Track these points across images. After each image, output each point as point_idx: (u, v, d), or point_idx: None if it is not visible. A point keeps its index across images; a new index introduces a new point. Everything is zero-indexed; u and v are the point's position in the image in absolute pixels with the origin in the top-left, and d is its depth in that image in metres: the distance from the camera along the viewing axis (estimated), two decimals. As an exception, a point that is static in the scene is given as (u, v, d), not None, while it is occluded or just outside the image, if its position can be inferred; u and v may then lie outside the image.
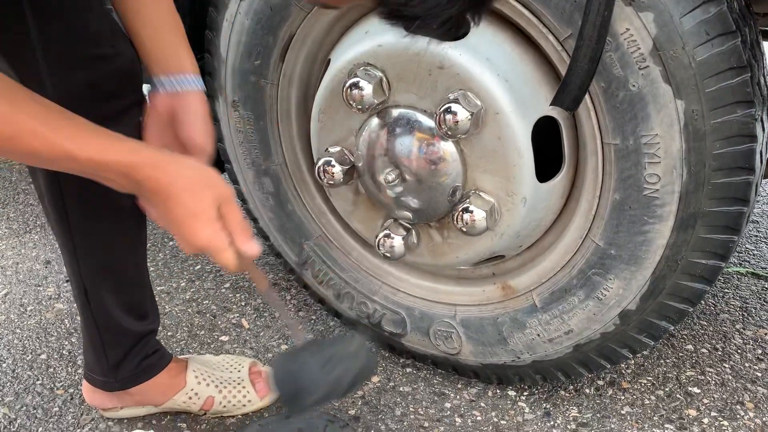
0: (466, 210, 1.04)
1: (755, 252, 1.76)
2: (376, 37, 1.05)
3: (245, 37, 1.18)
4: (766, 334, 1.42)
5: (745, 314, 1.49)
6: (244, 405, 1.21)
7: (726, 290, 1.59)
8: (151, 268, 1.79)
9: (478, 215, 1.03)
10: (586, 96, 0.94)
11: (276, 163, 1.30)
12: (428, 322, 1.26)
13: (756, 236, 1.86)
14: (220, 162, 1.51)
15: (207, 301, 1.65)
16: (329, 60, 1.16)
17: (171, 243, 1.93)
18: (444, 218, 1.10)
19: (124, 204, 0.99)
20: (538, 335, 1.15)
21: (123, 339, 1.14)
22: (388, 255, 1.15)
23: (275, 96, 1.22)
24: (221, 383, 1.20)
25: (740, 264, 1.69)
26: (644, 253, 0.99)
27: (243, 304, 1.63)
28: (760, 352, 1.37)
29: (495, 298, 1.19)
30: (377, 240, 1.16)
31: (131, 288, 1.14)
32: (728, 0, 0.85)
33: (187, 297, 1.67)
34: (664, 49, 0.86)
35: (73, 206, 1.02)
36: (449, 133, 0.99)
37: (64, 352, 1.49)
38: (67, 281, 1.75)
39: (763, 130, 0.92)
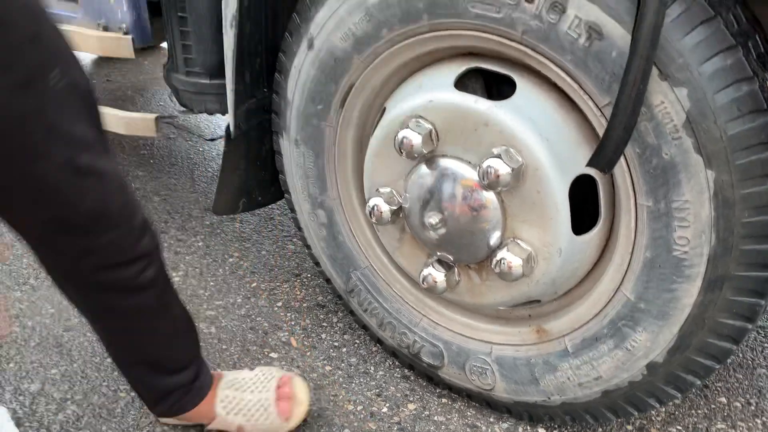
0: (504, 256, 1.11)
1: (801, 307, 1.75)
2: (428, 92, 1.14)
3: (310, 84, 1.29)
4: (800, 390, 1.43)
5: (779, 365, 1.50)
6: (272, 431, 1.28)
7: (766, 345, 1.60)
8: (211, 283, 1.92)
9: (515, 262, 1.10)
10: (622, 158, 1.00)
11: (331, 197, 1.40)
12: (465, 357, 1.33)
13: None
14: (279, 191, 1.63)
15: (260, 318, 1.76)
16: (385, 108, 1.25)
17: (230, 260, 2.05)
18: (483, 262, 1.18)
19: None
20: (569, 379, 1.20)
21: (154, 391, 1.26)
22: (430, 290, 1.23)
23: (334, 138, 1.32)
24: (249, 410, 1.27)
25: (784, 318, 1.69)
26: (672, 310, 1.04)
27: (293, 323, 1.73)
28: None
29: (529, 339, 1.25)
30: (420, 275, 1.24)
31: (158, 358, 1.24)
32: (760, 79, 0.90)
33: (242, 313, 1.78)
34: (697, 122, 0.92)
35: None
36: (491, 185, 1.07)
37: (128, 356, 1.62)
38: (134, 290, 1.89)
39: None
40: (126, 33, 1.59)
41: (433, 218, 1.16)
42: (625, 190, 1.03)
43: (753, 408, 1.39)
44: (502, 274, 1.11)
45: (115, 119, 1.72)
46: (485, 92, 1.16)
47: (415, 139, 1.11)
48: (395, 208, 1.22)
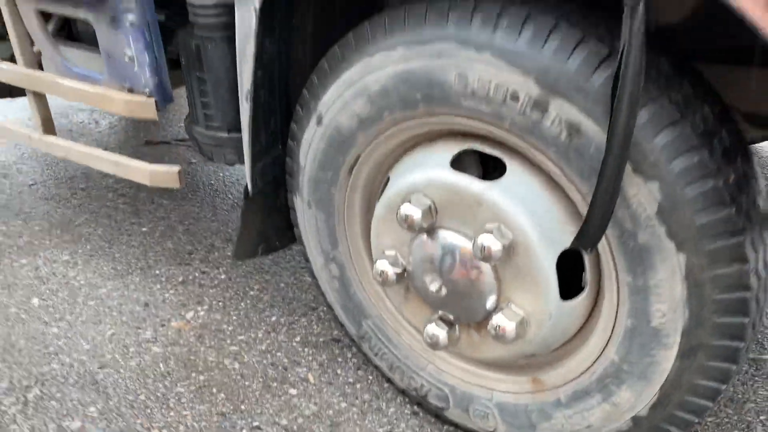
0: (498, 322, 1.21)
1: (792, 338, 1.83)
2: (427, 170, 1.24)
3: (320, 154, 1.40)
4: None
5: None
6: None
7: (757, 378, 1.69)
8: (234, 317, 2.05)
9: (509, 327, 1.20)
10: (604, 238, 1.09)
11: (342, 253, 1.51)
12: (468, 401, 1.44)
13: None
14: (293, 237, 1.74)
15: (280, 353, 1.89)
16: (389, 177, 1.36)
17: (251, 293, 2.18)
18: (482, 322, 1.28)
19: None
20: (562, 426, 1.31)
21: None
22: (433, 346, 1.34)
23: (343, 201, 1.44)
24: None
25: (775, 351, 1.78)
26: (652, 372, 1.14)
27: (310, 359, 1.86)
28: None
29: (526, 388, 1.36)
30: (425, 331, 1.35)
31: None
32: (724, 177, 0.99)
33: (263, 348, 1.91)
34: (668, 212, 1.01)
35: None
36: (484, 258, 1.17)
37: (158, 394, 1.76)
38: (162, 325, 2.03)
39: (759, 279, 1.05)
40: (150, 96, 1.70)
41: (434, 284, 1.26)
42: (607, 265, 1.13)
43: None
44: (497, 337, 1.22)
45: (139, 171, 1.85)
46: (480, 166, 1.26)
47: (416, 214, 1.22)
48: (400, 270, 1.33)
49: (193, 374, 1.82)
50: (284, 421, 1.65)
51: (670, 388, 1.14)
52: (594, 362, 1.23)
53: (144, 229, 2.65)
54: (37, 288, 2.27)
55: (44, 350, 1.95)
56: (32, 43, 2.01)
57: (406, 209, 1.23)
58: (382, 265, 1.33)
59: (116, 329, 2.03)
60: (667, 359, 1.11)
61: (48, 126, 2.11)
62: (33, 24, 1.91)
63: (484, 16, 1.07)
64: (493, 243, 1.14)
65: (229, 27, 1.43)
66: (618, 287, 1.13)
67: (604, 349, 1.20)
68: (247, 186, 1.61)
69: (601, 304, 1.20)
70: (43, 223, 2.72)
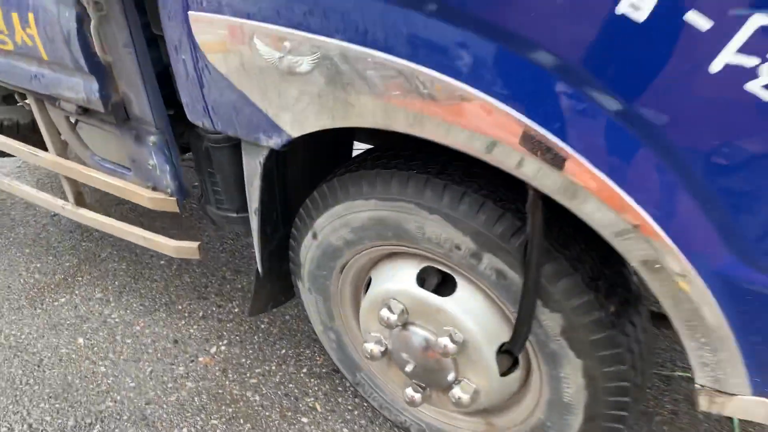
0: (456, 393, 1.65)
1: (699, 355, 2.29)
2: (399, 283, 1.64)
3: (316, 259, 1.79)
4: (685, 437, 1.99)
5: (674, 416, 2.06)
6: None
7: (666, 393, 2.15)
8: (250, 351, 2.49)
9: (464, 397, 1.64)
10: (529, 341, 1.51)
11: (337, 325, 1.93)
12: (440, 435, 1.90)
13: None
14: (292, 291, 2.15)
15: (291, 385, 2.33)
16: (371, 277, 1.76)
17: (262, 326, 2.61)
18: (446, 389, 1.72)
19: None
20: (509, 457, 1.77)
21: None
22: (410, 403, 1.78)
23: (336, 291, 1.84)
24: None
25: (683, 368, 2.23)
26: (567, 429, 1.59)
27: (316, 389, 2.30)
28: (675, 453, 1.94)
29: (483, 429, 1.81)
30: (404, 392, 1.78)
31: None
32: (606, 308, 1.40)
33: (277, 380, 2.35)
34: (568, 332, 1.43)
35: None
36: (443, 354, 1.59)
37: (198, 426, 2.21)
38: (191, 361, 2.46)
39: (636, 371, 1.48)
40: (171, 195, 2.07)
41: (408, 365, 1.69)
42: (533, 357, 1.56)
43: (647, 452, 1.95)
44: (456, 404, 1.66)
45: (165, 246, 2.23)
46: (439, 274, 1.67)
47: (392, 317, 1.63)
48: (383, 349, 1.75)
49: (223, 407, 2.27)
50: (300, 447, 2.11)
51: (580, 442, 1.59)
52: (528, 417, 1.67)
53: (162, 262, 3.05)
54: (80, 327, 2.68)
55: (97, 389, 2.38)
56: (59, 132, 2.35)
57: (385, 313, 1.64)
58: (370, 346, 1.75)
59: (154, 366, 2.46)
60: (576, 422, 1.56)
61: (80, 199, 2.47)
62: (62, 124, 2.25)
63: (434, 187, 1.45)
64: (449, 344, 1.56)
65: (236, 138, 1.76)
66: (540, 372, 1.56)
67: (533, 410, 1.64)
68: (258, 269, 2.01)
69: (531, 379, 1.63)
70: (72, 259, 3.11)
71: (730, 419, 2.03)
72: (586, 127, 1.09)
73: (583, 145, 1.11)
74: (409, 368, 1.70)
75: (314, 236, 1.75)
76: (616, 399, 1.49)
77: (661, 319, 1.76)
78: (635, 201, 1.12)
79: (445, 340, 1.57)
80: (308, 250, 1.80)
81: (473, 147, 1.21)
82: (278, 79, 1.40)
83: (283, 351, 2.48)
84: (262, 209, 1.81)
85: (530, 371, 1.64)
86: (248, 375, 2.39)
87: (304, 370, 2.39)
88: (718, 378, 1.27)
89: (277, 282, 2.13)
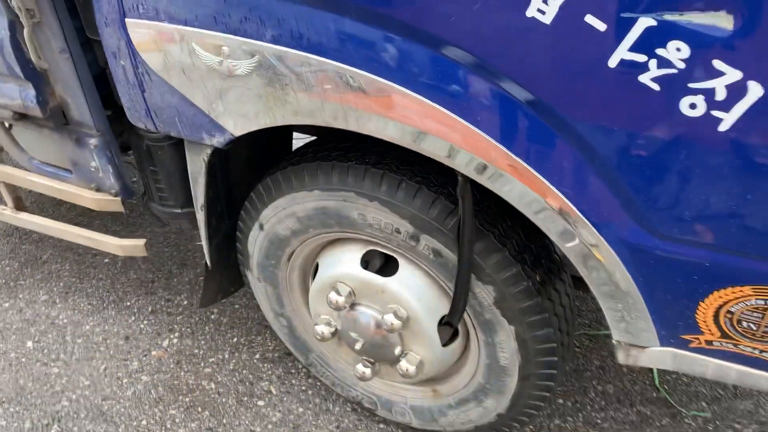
0: (403, 365, 1.78)
1: (622, 314, 2.50)
2: (345, 266, 1.75)
3: (264, 250, 1.88)
4: (611, 388, 2.19)
5: (601, 371, 2.26)
6: None
7: (593, 351, 2.35)
8: (202, 342, 2.55)
9: (410, 368, 1.77)
10: (466, 314, 1.65)
11: (287, 311, 2.03)
12: (390, 405, 2.03)
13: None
14: (242, 281, 2.23)
15: (245, 371, 2.42)
16: (317, 263, 1.86)
17: (212, 317, 2.67)
18: (393, 362, 1.85)
19: None
20: (453, 420, 1.92)
21: None
22: (361, 378, 1.90)
23: (285, 278, 1.94)
24: None
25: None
26: (504, 390, 1.75)
27: (270, 373, 2.40)
28: (603, 403, 2.14)
29: (429, 395, 1.95)
30: (354, 368, 1.90)
31: None
32: (533, 279, 1.55)
33: (231, 367, 2.43)
34: (500, 302, 1.57)
35: None
36: (389, 330, 1.72)
37: (156, 418, 2.27)
38: (145, 356, 2.51)
39: (561, 333, 1.64)
40: (115, 195, 2.10)
41: (357, 343, 1.81)
42: (471, 327, 1.70)
43: (578, 405, 2.15)
44: (404, 375, 1.79)
45: (110, 245, 2.27)
46: (382, 256, 1.78)
47: (340, 300, 1.74)
48: (333, 330, 1.87)
49: (180, 397, 2.34)
50: (258, 429, 2.20)
51: (517, 398, 1.75)
52: (469, 382, 1.82)
53: (106, 260, 3.05)
54: (27, 330, 2.68)
55: (51, 390, 2.41)
56: (-6, 138, 2.33)
57: (333, 296, 1.75)
58: (320, 328, 1.86)
59: (107, 363, 2.50)
60: (512, 382, 1.72)
61: (18, 203, 2.46)
62: (-3, 129, 2.23)
63: (372, 177, 1.56)
64: (393, 320, 1.69)
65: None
66: (478, 340, 1.71)
67: (474, 375, 1.79)
68: (206, 261, 2.08)
69: (470, 347, 1.78)
70: (13, 263, 3.07)
71: (651, 370, 2.25)
72: (504, 119, 1.22)
73: (502, 134, 1.24)
74: (358, 346, 1.81)
75: (261, 227, 1.84)
76: (545, 359, 1.65)
77: (582, 283, 1.94)
78: (550, 182, 1.26)
79: (390, 317, 1.69)
80: (255, 241, 1.88)
81: (404, 139, 1.33)
82: (219, 82, 1.48)
83: (235, 339, 2.56)
84: (208, 204, 1.88)
85: (468, 340, 1.79)
86: (202, 365, 2.46)
87: (257, 356, 2.47)
88: (631, 333, 1.44)
89: (226, 273, 2.20)
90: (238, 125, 1.53)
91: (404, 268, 1.71)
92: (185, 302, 2.76)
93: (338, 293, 1.75)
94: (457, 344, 1.79)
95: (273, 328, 2.14)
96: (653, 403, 2.14)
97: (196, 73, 1.49)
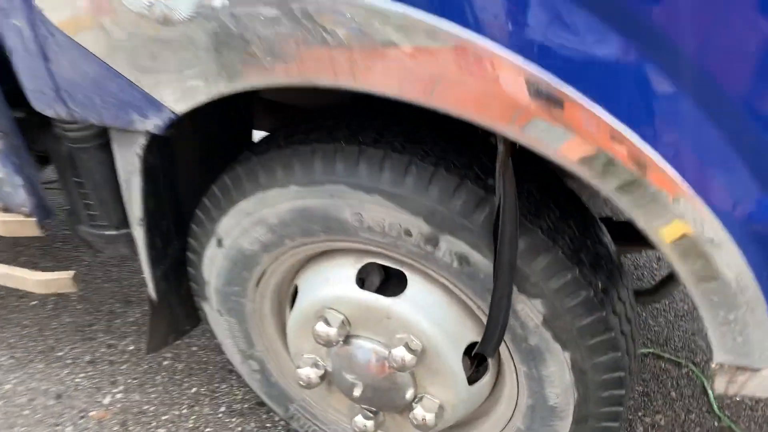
0: (418, 413, 1.35)
1: (656, 329, 2.12)
2: (335, 287, 1.32)
3: (225, 272, 1.43)
4: (661, 419, 1.80)
5: (646, 400, 1.87)
6: None
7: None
8: (153, 395, 2.07)
9: (429, 416, 1.34)
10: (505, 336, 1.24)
11: (259, 351, 1.58)
12: (398, 466, 1.59)
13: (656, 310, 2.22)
14: (198, 317, 1.77)
15: (208, 429, 1.94)
16: (296, 285, 1.43)
17: (165, 363, 2.19)
18: (404, 410, 1.41)
19: None
20: (482, 478, 1.49)
21: None
22: (362, 434, 1.46)
23: (254, 309, 1.49)
24: None
25: (643, 344, 2.06)
26: (553, 437, 1.33)
27: (239, 429, 1.93)
28: (656, 440, 1.75)
29: (447, 450, 1.52)
30: (352, 422, 1.46)
31: None
32: (594, 286, 1.15)
33: (190, 425, 1.96)
34: (551, 321, 1.17)
35: None
36: (399, 369, 1.29)
37: (95, 498, 1.77)
38: (81, 417, 2.01)
39: (630, 357, 1.24)
40: (29, 215, 1.63)
41: (356, 389, 1.37)
42: (506, 357, 1.28)
43: None
44: (419, 427, 1.35)
45: (32, 282, 1.79)
46: (382, 271, 1.36)
47: (331, 332, 1.31)
48: (321, 372, 1.42)
49: (126, 469, 1.85)
50: (228, 505, 1.73)
51: (569, 446, 1.34)
52: (504, 428, 1.40)
53: (33, 302, 2.55)
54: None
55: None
56: None
57: (322, 328, 1.31)
58: (305, 371, 1.41)
59: (32, 430, 1.99)
60: (564, 427, 1.30)
61: None
62: None
63: (369, 160, 1.15)
64: (405, 355, 1.26)
65: (103, 134, 1.38)
66: (516, 374, 1.29)
67: (511, 419, 1.37)
68: (150, 293, 1.62)
69: (503, 383, 1.36)
70: None
71: (705, 393, 1.87)
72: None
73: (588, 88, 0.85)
74: (357, 392, 1.38)
75: (219, 243, 1.40)
76: (610, 393, 1.24)
77: (642, 294, 1.54)
78: (645, 143, 0.87)
79: (399, 352, 1.27)
80: (213, 263, 1.44)
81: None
82: (151, 36, 1.05)
83: (194, 389, 2.09)
84: (148, 219, 1.43)
85: (501, 373, 1.37)
86: (154, 424, 1.97)
87: (222, 409, 2.00)
88: (741, 352, 1.04)
89: (178, 308, 1.74)
90: (179, 97, 1.10)
91: (414, 284, 1.29)
92: (131, 347, 2.27)
93: (327, 323, 1.32)
94: (486, 380, 1.37)
95: (240, 373, 1.69)
96: (716, 435, 1.75)
97: (118, 27, 1.06)
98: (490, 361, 1.35)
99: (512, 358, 1.27)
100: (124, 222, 1.66)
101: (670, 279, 1.60)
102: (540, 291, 1.15)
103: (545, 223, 1.14)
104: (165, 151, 1.44)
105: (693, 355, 1.99)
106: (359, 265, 1.32)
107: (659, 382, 1.92)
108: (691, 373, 1.93)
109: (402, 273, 1.30)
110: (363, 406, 1.44)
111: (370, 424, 1.44)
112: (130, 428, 1.97)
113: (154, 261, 1.55)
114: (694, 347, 2.02)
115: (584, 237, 1.18)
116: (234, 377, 2.11)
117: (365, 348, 1.34)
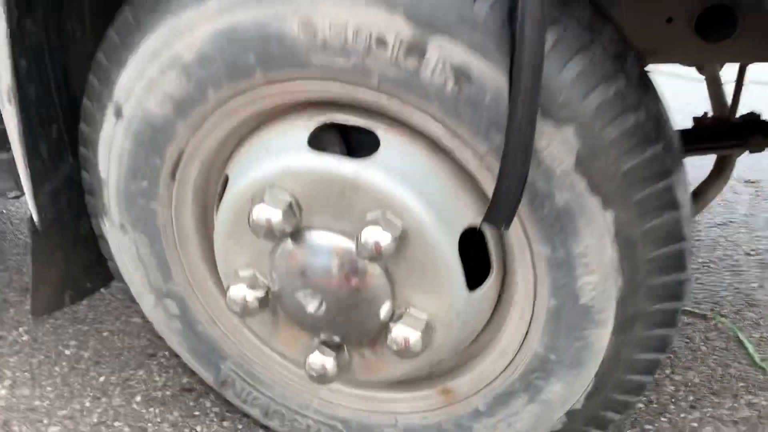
0: (398, 333, 0.96)
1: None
2: (279, 157, 0.95)
3: (127, 158, 1.05)
4: (694, 376, 1.45)
5: (672, 356, 1.52)
6: None
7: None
8: (48, 388, 1.60)
9: (413, 337, 0.96)
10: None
11: (179, 284, 1.17)
12: (368, 434, 1.18)
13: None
14: (106, 269, 1.35)
15: (118, 422, 1.48)
16: (227, 176, 1.05)
17: (67, 352, 1.73)
18: (376, 336, 1.02)
19: None
20: (486, 438, 1.09)
21: None
22: (320, 378, 1.05)
23: (170, 217, 1.10)
24: None
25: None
26: (585, 357, 0.96)
27: (159, 420, 1.48)
28: (692, 398, 1.39)
29: (436, 403, 1.12)
30: (306, 362, 1.06)
31: None
32: (645, 108, 0.82)
33: (95, 420, 1.50)
34: (588, 162, 0.82)
35: None
36: (371, 258, 0.91)
37: None
38: (-53, 420, 1.52)
39: (689, 225, 0.90)
40: None
41: (310, 303, 0.98)
42: (517, 239, 0.92)
43: (655, 405, 1.38)
44: (400, 353, 0.97)
45: None
46: (343, 146, 1.00)
47: (274, 216, 0.93)
48: (262, 293, 1.03)
49: (3, 477, 1.37)
50: None
51: (607, 371, 0.97)
52: (513, 357, 1.02)
53: None
54: None
55: None
56: None
57: (260, 212, 0.93)
58: (238, 291, 1.02)
59: None
60: (601, 338, 0.94)
61: None
62: None
63: (324, -61, 0.81)
64: (381, 236, 0.89)
65: None
66: (533, 264, 0.93)
67: (524, 340, 1.00)
68: (32, 218, 1.20)
69: (513, 290, 0.99)
70: None
71: (742, 344, 1.53)
72: None
73: None
74: (311, 308, 0.99)
75: (118, 113, 1.01)
76: (666, 279, 0.89)
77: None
78: None
79: (372, 233, 0.89)
80: (111, 148, 1.05)
81: None
82: None
83: (103, 378, 1.63)
84: (22, 90, 1.04)
85: (510, 272, 1.00)
86: (45, 422, 1.50)
87: (138, 398, 1.55)
88: None
89: (74, 254, 1.33)
90: None
91: (389, 143, 0.93)
92: (25, 337, 1.81)
93: (270, 207, 0.93)
94: (491, 282, 1.00)
95: (156, 327, 1.26)
96: (765, 388, 1.40)
97: None
98: (492, 253, 0.98)
99: (526, 238, 0.91)
100: (1, 142, 1.26)
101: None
102: (572, 113, 0.80)
103: (582, 12, 0.81)
104: (49, 12, 1.07)
105: (719, 307, 1.67)
106: (312, 125, 0.96)
107: (684, 336, 1.58)
108: (720, 326, 1.59)
109: (370, 140, 0.94)
110: (321, 337, 1.04)
111: (330, 363, 1.04)
112: (14, 428, 1.49)
113: (38, 175, 1.15)
114: (719, 299, 1.70)
115: (625, 43, 0.85)
116: (154, 363, 1.66)
117: (322, 243, 0.96)
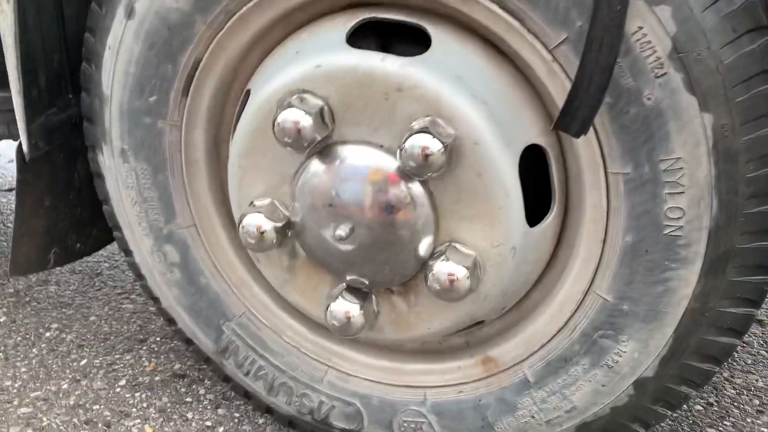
0: (441, 269, 0.81)
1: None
2: (311, 57, 0.82)
3: (135, 67, 0.91)
4: (757, 380, 1.28)
5: (730, 360, 1.35)
6: None
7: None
8: (23, 369, 1.42)
9: (459, 273, 0.80)
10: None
11: (182, 225, 1.02)
12: (391, 413, 1.00)
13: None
14: (107, 233, 1.20)
15: (97, 406, 1.30)
16: (249, 91, 0.91)
17: (47, 334, 1.56)
18: (411, 281, 0.87)
19: None
20: (533, 417, 0.92)
21: None
22: (343, 331, 0.89)
23: (178, 140, 0.96)
24: None
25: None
26: (665, 307, 0.80)
27: (145, 405, 1.30)
28: (758, 402, 1.22)
29: (474, 375, 0.96)
30: (327, 313, 0.90)
31: None
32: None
33: (71, 402, 1.31)
34: (686, 50, 0.69)
35: None
36: (417, 172, 0.77)
37: None
38: None
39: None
40: None
41: (339, 231, 0.83)
42: (589, 158, 0.78)
43: (716, 408, 1.20)
44: (442, 293, 0.81)
45: None
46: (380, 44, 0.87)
47: (304, 120, 0.79)
48: (281, 224, 0.88)
49: (-41, 461, 1.18)
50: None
51: (689, 327, 0.81)
52: (574, 312, 0.86)
53: None
54: None
55: None
56: None
57: (287, 116, 0.79)
58: (254, 219, 0.87)
59: None
60: (686, 282, 0.78)
61: None
62: None
63: None
64: (430, 143, 0.75)
65: None
66: (608, 189, 0.78)
67: (589, 288, 0.84)
68: (21, 149, 1.07)
69: (577, 226, 0.85)
70: None
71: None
72: None
73: None
74: (338, 242, 0.83)
75: (129, 13, 0.89)
76: (769, 205, 0.75)
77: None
78: None
79: (421, 140, 0.75)
80: (118, 53, 0.92)
81: None
82: None
83: (85, 361, 1.45)
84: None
85: (570, 210, 0.86)
86: (16, 403, 1.32)
87: (122, 382, 1.37)
88: None
89: (65, 205, 1.19)
90: None
91: (442, 40, 0.80)
92: (3, 318, 1.64)
93: (300, 109, 0.80)
94: (553, 216, 0.85)
95: (149, 283, 1.10)
96: (838, 394, 1.23)
97: None
98: (555, 180, 0.84)
99: (602, 155, 0.77)
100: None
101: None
102: (669, -10, 0.68)
103: None
104: None
105: (774, 311, 1.51)
106: (352, 22, 0.83)
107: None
108: (778, 329, 1.43)
109: (420, 44, 0.81)
110: (347, 278, 0.89)
111: (356, 311, 0.88)
112: (-22, 410, 1.31)
113: (34, 105, 1.03)
114: (773, 303, 1.54)
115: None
116: (144, 348, 1.49)
117: (357, 160, 0.82)
